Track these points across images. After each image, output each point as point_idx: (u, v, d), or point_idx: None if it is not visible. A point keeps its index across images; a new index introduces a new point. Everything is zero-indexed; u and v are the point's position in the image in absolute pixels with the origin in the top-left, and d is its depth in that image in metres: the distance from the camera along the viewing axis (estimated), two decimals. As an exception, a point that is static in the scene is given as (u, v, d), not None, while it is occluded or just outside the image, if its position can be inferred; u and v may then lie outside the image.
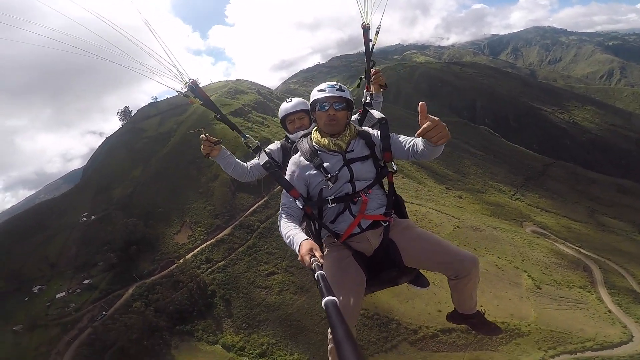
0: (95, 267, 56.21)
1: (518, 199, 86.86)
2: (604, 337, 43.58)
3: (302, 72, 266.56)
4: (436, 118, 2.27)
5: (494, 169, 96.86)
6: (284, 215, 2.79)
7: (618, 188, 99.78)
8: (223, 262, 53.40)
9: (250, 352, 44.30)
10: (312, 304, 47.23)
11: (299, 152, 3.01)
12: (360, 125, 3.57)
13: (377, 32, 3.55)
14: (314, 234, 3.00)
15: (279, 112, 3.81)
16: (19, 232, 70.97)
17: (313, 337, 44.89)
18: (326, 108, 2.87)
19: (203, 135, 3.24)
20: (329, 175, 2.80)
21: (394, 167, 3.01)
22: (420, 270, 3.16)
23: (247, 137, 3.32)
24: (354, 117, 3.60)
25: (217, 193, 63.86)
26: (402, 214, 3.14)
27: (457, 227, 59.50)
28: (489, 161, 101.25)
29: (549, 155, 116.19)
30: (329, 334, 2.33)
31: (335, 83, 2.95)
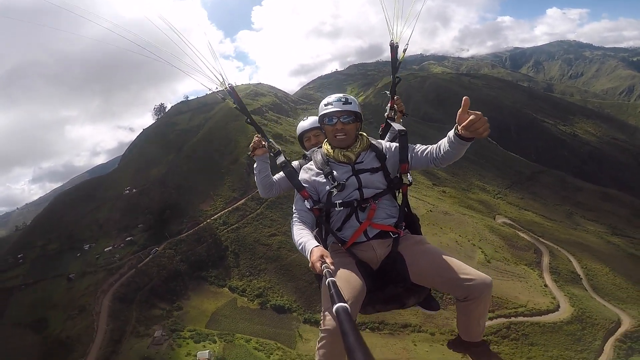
0: (135, 228, 71.39)
1: (500, 197, 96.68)
2: (534, 305, 52.09)
3: (319, 78, 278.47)
4: (479, 112, 2.34)
5: (482, 172, 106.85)
6: (297, 222, 2.86)
7: (602, 195, 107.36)
8: (236, 224, 68.02)
9: (250, 293, 57.67)
10: (302, 259, 59.62)
11: (311, 161, 3.12)
12: (383, 137, 3.63)
13: (404, 50, 3.65)
14: (321, 241, 2.97)
15: (297, 130, 4.03)
16: (71, 202, 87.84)
17: (300, 284, 57.77)
18: (334, 121, 2.91)
19: (257, 135, 3.41)
20: (336, 183, 2.84)
21: (410, 179, 2.95)
22: (431, 293, 3.13)
23: (270, 141, 3.42)
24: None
25: (235, 173, 79.05)
26: (416, 232, 3.13)
27: (430, 211, 71.12)
28: (479, 165, 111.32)
29: (546, 165, 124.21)
30: (318, 343, 2.37)
31: (342, 95, 2.97)
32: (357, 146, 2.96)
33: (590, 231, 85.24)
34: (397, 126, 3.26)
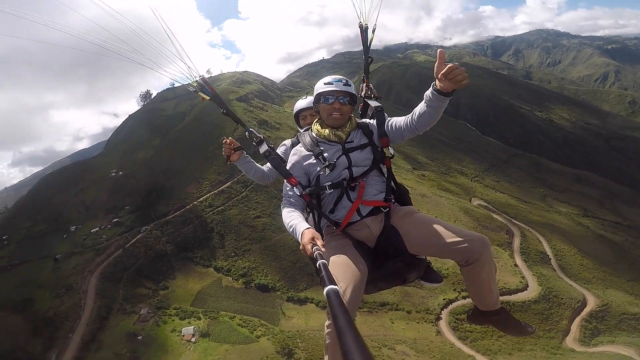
0: (122, 210, 72.22)
1: (477, 180, 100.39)
2: (504, 284, 54.20)
3: (306, 66, 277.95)
4: (456, 63, 2.39)
5: (461, 156, 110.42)
6: (286, 205, 2.90)
7: (574, 177, 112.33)
8: (222, 207, 69.43)
9: (234, 273, 59.34)
10: (286, 240, 62.16)
11: (300, 143, 3.16)
12: (363, 117, 3.64)
13: (373, 31, 3.73)
14: (315, 225, 3.01)
15: (294, 108, 4.04)
16: (57, 185, 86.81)
17: (284, 264, 60.05)
18: (330, 101, 2.94)
19: (226, 139, 3.35)
20: (327, 163, 2.88)
21: (391, 152, 3.05)
22: (431, 267, 3.16)
23: (250, 130, 3.42)
24: None
25: (221, 157, 77.27)
26: (405, 203, 3.18)
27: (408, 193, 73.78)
28: (458, 149, 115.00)
29: (523, 149, 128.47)
30: (326, 328, 2.38)
31: (342, 77, 3.03)
32: (347, 126, 3.04)
33: (563, 213, 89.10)
34: (373, 103, 3.35)
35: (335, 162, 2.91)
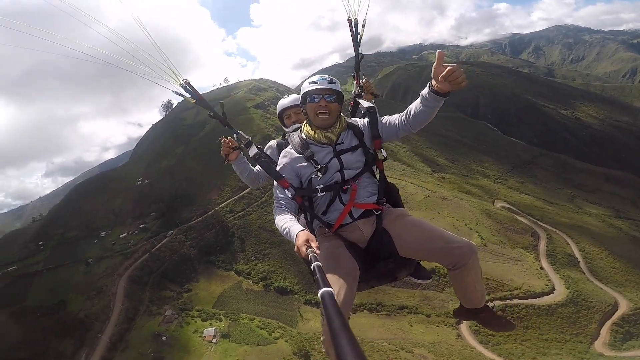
0: (148, 216, 75.17)
1: (500, 182, 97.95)
2: (529, 287, 52.88)
3: (320, 71, 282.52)
4: (455, 64, 2.38)
5: (482, 157, 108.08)
6: (279, 208, 2.86)
7: (604, 177, 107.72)
8: (242, 212, 71.28)
9: (254, 276, 60.60)
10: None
11: (289, 145, 3.06)
12: (353, 116, 3.55)
13: (363, 26, 3.63)
14: (307, 226, 2.97)
15: (277, 108, 3.93)
16: (87, 194, 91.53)
17: (302, 267, 59.80)
18: (316, 100, 2.90)
19: (224, 139, 3.32)
20: (319, 166, 2.84)
21: (384, 154, 2.98)
22: (420, 264, 3.17)
23: (238, 133, 3.39)
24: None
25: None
26: (396, 204, 3.14)
27: (428, 196, 73.27)
28: (479, 151, 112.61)
29: (549, 149, 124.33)
30: (322, 326, 2.35)
31: (326, 75, 3.01)
32: (337, 127, 2.95)
33: (593, 214, 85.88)
34: (365, 104, 3.26)
35: (326, 165, 2.87)
